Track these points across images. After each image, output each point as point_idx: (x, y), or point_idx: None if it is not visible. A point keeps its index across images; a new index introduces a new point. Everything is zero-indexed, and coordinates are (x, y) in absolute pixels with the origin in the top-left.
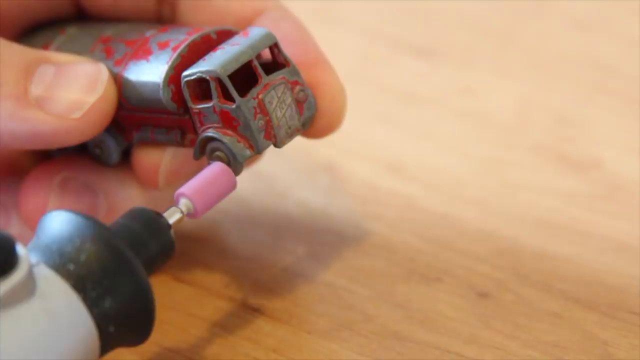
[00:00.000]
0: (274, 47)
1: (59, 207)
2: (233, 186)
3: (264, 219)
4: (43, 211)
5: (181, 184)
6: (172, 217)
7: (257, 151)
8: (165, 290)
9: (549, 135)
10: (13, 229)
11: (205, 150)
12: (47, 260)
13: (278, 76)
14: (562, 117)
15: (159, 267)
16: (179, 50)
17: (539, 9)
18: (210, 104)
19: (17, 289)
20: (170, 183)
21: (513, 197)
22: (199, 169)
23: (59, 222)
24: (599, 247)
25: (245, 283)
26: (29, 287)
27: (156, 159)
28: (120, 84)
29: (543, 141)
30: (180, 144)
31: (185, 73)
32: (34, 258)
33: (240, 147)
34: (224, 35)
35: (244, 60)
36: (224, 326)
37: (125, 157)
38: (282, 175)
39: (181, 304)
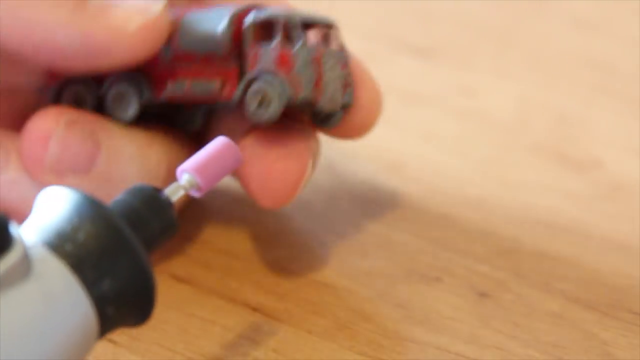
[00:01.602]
0: (332, 30)
1: (60, 149)
2: (238, 161)
3: (264, 219)
4: (44, 150)
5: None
6: (175, 194)
7: (303, 97)
8: (165, 290)
9: (549, 135)
10: (10, 173)
11: (247, 92)
12: (43, 240)
13: (334, 50)
14: (562, 117)
15: (159, 245)
16: (243, 5)
17: (539, 9)
18: (271, 44)
19: (11, 271)
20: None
21: (513, 197)
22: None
23: (56, 200)
24: (599, 247)
25: (245, 283)
26: (24, 269)
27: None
28: (178, 27)
29: (543, 141)
30: (219, 94)
31: (253, 14)
32: (30, 237)
33: (290, 87)
34: None
35: (309, 19)
36: (224, 326)
37: (140, 119)
38: None
39: (181, 304)
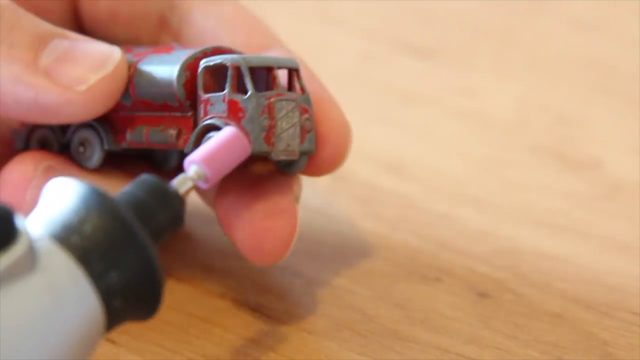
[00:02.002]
0: (294, 73)
1: (38, 195)
2: (246, 152)
3: None
4: (22, 196)
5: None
6: (182, 186)
7: (253, 149)
8: (166, 290)
9: (549, 135)
10: None
11: (201, 141)
12: (49, 232)
13: (293, 94)
14: (562, 117)
15: (166, 238)
16: (203, 47)
17: (539, 9)
18: (222, 93)
19: (16, 264)
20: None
21: (513, 197)
22: None
23: (63, 192)
24: (599, 247)
25: (245, 283)
26: (29, 262)
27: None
28: (134, 72)
29: (543, 141)
30: (175, 143)
31: (205, 59)
32: (35, 230)
33: None
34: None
35: (266, 63)
36: (224, 326)
37: (106, 163)
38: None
39: (181, 304)
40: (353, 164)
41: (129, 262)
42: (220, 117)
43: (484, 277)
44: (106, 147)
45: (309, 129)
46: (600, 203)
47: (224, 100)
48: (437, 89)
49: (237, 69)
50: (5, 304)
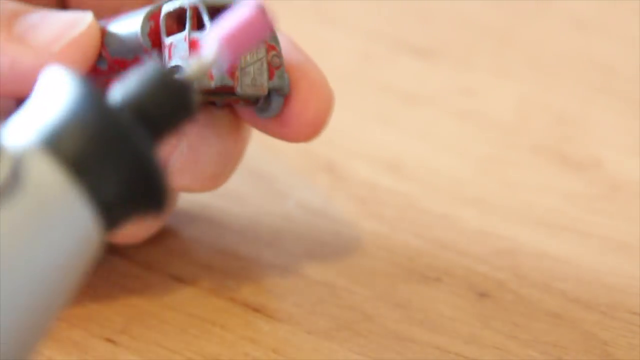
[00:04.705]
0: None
1: None
2: (270, 27)
3: (264, 219)
4: None
5: None
6: (196, 69)
7: (215, 83)
8: (165, 290)
9: (549, 135)
10: None
11: None
12: (37, 138)
13: None
14: (562, 117)
15: (175, 129)
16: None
17: (539, 9)
18: (182, 34)
19: None
20: None
21: (513, 197)
22: None
23: (52, 88)
24: (599, 247)
25: (245, 283)
26: (13, 183)
27: None
28: (104, 33)
29: (543, 141)
30: None
31: (166, 5)
32: (21, 135)
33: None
34: None
35: (225, 2)
36: (224, 326)
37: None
38: (282, 176)
39: (181, 304)
40: (353, 164)
41: (123, 166)
42: (183, 58)
43: (484, 277)
44: None
45: (277, 65)
46: (600, 203)
47: (185, 40)
48: (437, 89)
49: (195, 9)
50: None
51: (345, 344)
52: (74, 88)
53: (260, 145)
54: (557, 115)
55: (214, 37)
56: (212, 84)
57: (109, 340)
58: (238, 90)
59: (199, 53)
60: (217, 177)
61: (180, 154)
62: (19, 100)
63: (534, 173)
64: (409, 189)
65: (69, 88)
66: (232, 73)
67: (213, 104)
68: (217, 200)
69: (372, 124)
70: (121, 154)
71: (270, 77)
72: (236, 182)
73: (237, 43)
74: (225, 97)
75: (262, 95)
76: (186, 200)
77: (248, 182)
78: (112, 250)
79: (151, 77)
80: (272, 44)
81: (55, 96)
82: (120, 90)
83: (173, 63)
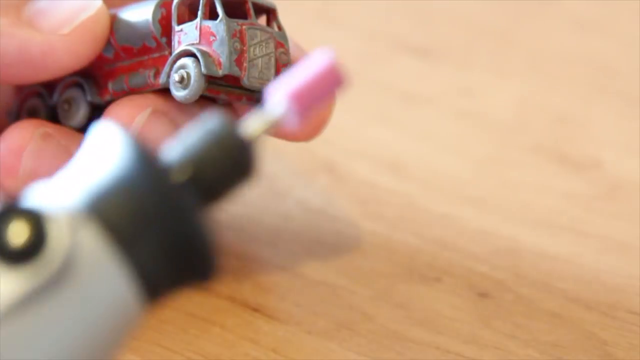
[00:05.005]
0: (272, 12)
1: (34, 161)
2: (341, 82)
3: (264, 219)
4: (18, 162)
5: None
6: (256, 128)
7: (223, 71)
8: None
9: (549, 135)
10: None
11: (171, 72)
12: (82, 204)
13: (268, 28)
14: (562, 117)
15: (233, 192)
16: None
17: (539, 9)
18: (194, 22)
19: (42, 285)
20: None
21: (513, 197)
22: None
23: (102, 145)
24: (599, 247)
25: (245, 283)
26: (63, 273)
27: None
28: (114, 20)
29: (543, 141)
30: (153, 82)
31: None
32: (65, 197)
33: (209, 61)
34: None
35: None
36: (224, 326)
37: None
38: (282, 175)
39: (181, 304)
40: (353, 164)
41: (168, 238)
42: (192, 44)
43: (484, 277)
44: (89, 98)
45: (284, 62)
46: (600, 203)
47: (196, 28)
48: (437, 89)
49: (209, 1)
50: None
51: (345, 344)
52: (124, 147)
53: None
54: (557, 115)
55: (283, 91)
56: (220, 72)
57: None
58: (244, 81)
59: (209, 38)
60: None
61: None
62: (23, 86)
63: (534, 173)
64: (409, 189)
65: (120, 147)
66: (240, 63)
67: (214, 101)
68: None
69: (372, 124)
70: (167, 225)
71: (277, 73)
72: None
73: (306, 98)
74: (229, 90)
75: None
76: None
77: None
78: None
79: (211, 134)
80: (281, 41)
81: (104, 155)
82: (177, 147)
83: (182, 48)
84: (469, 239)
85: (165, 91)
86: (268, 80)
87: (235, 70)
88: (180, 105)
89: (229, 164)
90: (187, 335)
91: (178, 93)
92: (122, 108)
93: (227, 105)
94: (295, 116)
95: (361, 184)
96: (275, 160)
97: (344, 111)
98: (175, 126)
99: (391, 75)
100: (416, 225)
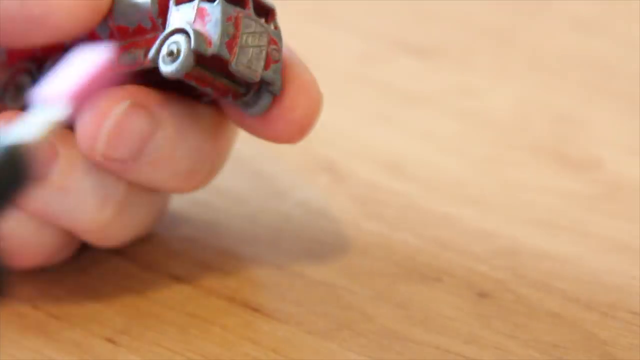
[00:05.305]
0: (270, 13)
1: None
2: (113, 80)
3: (264, 219)
4: (99, 127)
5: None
6: (31, 129)
7: (212, 51)
8: (165, 290)
9: (549, 135)
10: None
11: (161, 48)
12: None
13: (265, 24)
14: (562, 117)
15: (15, 197)
16: None
17: (539, 9)
18: (192, 2)
19: None
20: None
21: (513, 197)
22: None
23: None
24: (599, 247)
25: (245, 283)
26: None
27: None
28: (112, 4)
29: (543, 141)
30: (142, 61)
31: None
32: None
33: (200, 38)
34: None
35: None
36: (224, 326)
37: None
38: (282, 175)
39: (181, 304)
40: (353, 164)
41: None
42: (184, 24)
43: (484, 277)
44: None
45: (275, 59)
46: (600, 203)
47: (193, 9)
48: (437, 89)
49: None
50: None
51: (345, 344)
52: None
53: (260, 145)
54: (557, 115)
55: (60, 92)
56: (209, 51)
57: (109, 340)
58: (232, 65)
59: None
60: (193, 175)
61: (156, 146)
62: (13, 60)
63: (533, 173)
64: (409, 189)
65: None
66: (231, 47)
67: (198, 98)
68: (217, 200)
69: (372, 124)
70: None
71: (266, 67)
72: (236, 182)
73: (83, 98)
74: (216, 81)
75: (253, 80)
76: (186, 200)
77: (248, 182)
78: (112, 250)
79: None
80: (275, 39)
81: None
82: None
83: (175, 26)
84: (469, 239)
85: (150, 84)
86: (256, 71)
87: (225, 52)
88: (163, 101)
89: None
90: (187, 335)
91: (165, 67)
92: (99, 99)
93: (212, 102)
94: (73, 115)
95: (361, 184)
96: (275, 160)
97: (344, 111)
98: (156, 121)
99: (391, 75)
100: (416, 225)
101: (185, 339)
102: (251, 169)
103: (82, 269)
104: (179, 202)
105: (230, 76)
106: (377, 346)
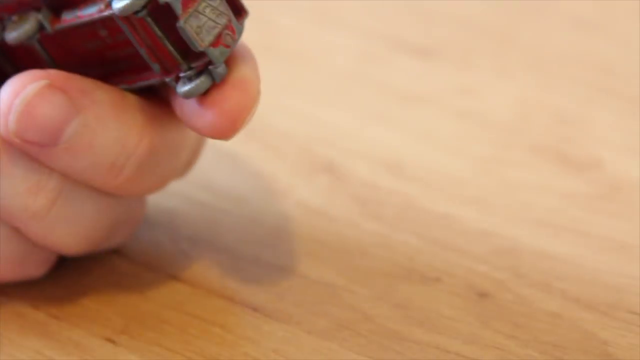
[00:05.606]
0: (243, 13)
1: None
2: None
3: (264, 219)
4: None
5: None
6: None
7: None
8: (165, 290)
9: (549, 135)
10: None
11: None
12: None
13: (228, 11)
14: (562, 117)
15: None
16: None
17: (539, 9)
18: None
19: None
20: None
21: (513, 197)
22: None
23: None
24: (599, 247)
25: (245, 283)
26: None
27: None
28: None
29: (543, 141)
30: (102, 9)
31: None
32: None
33: None
34: None
35: None
36: (224, 326)
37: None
38: (282, 175)
39: (181, 304)
40: (353, 164)
41: None
42: None
43: (484, 277)
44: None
45: (227, 44)
46: (600, 203)
47: None
48: (437, 89)
49: None
50: None
51: (345, 344)
52: None
53: (260, 145)
54: (557, 115)
55: None
56: None
57: (109, 340)
58: (181, 22)
59: None
60: (116, 170)
61: (73, 131)
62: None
63: (534, 173)
64: (409, 189)
65: None
66: (186, 6)
67: (129, 85)
68: (216, 200)
69: (372, 124)
70: None
71: (214, 45)
72: (236, 182)
73: None
74: (160, 40)
75: (196, 47)
76: (185, 200)
77: (248, 182)
78: (112, 250)
79: None
80: (234, 27)
81: None
82: None
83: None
84: (469, 239)
85: (81, 71)
86: (202, 40)
87: (178, 6)
88: (86, 90)
89: None
90: (187, 335)
91: (116, 4)
92: (19, 76)
93: (142, 89)
94: None
95: (361, 184)
96: (275, 160)
97: (344, 111)
98: (74, 106)
99: (391, 75)
100: (416, 225)
101: (185, 339)
102: (251, 169)
103: (82, 269)
104: (178, 202)
105: (176, 42)
106: (377, 346)
